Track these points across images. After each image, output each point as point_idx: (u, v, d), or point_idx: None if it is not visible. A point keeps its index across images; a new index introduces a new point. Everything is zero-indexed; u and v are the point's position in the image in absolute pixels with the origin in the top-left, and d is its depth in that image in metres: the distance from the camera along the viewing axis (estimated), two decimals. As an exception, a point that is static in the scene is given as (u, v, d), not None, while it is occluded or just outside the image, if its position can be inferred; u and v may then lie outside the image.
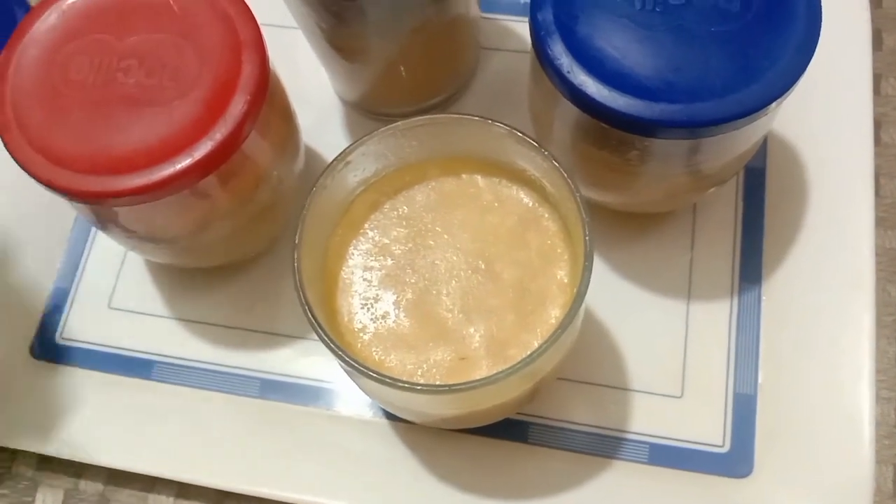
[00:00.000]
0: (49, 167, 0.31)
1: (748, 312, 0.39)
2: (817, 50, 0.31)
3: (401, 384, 0.27)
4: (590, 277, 0.28)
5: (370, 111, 0.45)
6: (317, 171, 0.31)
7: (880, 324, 0.39)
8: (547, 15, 0.31)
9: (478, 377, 0.28)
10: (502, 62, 0.45)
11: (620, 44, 0.30)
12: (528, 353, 0.27)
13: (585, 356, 0.38)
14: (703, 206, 0.41)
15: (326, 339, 0.28)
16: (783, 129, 0.42)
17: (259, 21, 0.33)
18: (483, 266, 0.32)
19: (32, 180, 0.32)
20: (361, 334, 0.32)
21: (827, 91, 0.40)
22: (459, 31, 0.41)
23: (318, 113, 0.44)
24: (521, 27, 0.46)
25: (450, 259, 0.33)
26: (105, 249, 0.43)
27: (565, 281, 0.31)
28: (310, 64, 0.44)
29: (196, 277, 0.42)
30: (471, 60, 0.44)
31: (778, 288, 0.39)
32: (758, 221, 0.41)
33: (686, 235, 0.41)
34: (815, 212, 0.40)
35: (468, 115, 0.31)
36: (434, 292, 0.32)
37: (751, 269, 0.40)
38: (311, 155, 0.43)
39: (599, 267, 0.40)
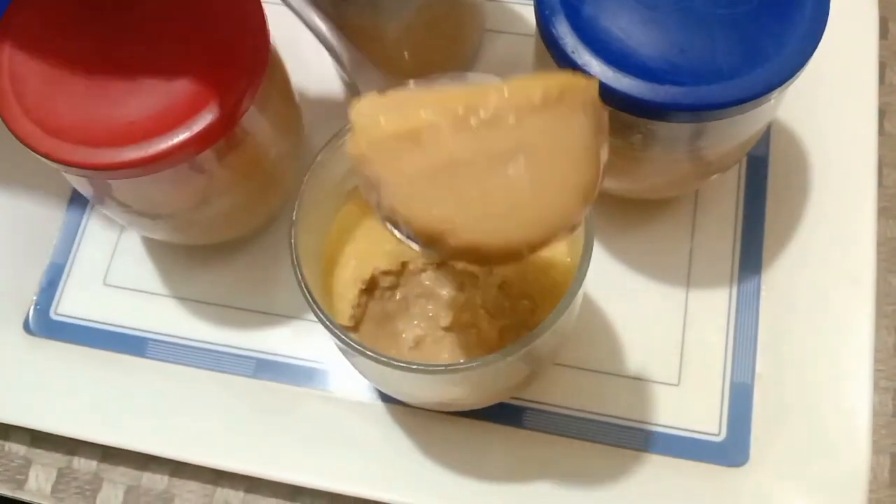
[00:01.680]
0: (46, 138, 0.31)
1: (747, 301, 0.39)
2: (824, 38, 0.31)
3: (395, 363, 0.27)
4: (589, 259, 0.28)
5: None
6: (317, 150, 0.31)
7: (880, 314, 0.39)
8: (551, -6, 0.31)
9: (478, 352, 0.28)
10: (507, 45, 0.45)
11: (626, 24, 0.30)
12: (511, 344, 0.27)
13: (583, 342, 0.38)
14: (704, 193, 0.41)
15: (321, 315, 0.28)
16: (786, 117, 0.41)
17: (263, -1, 0.33)
18: None
19: (29, 153, 0.31)
20: (359, 313, 0.32)
21: (831, 79, 0.40)
22: (464, 12, 0.41)
23: (322, 93, 0.44)
24: (526, 10, 0.45)
25: None
26: (101, 225, 0.43)
27: (567, 261, 0.31)
28: (313, 44, 0.43)
29: (192, 255, 0.42)
30: (475, 42, 0.44)
31: (778, 277, 0.39)
32: (759, 210, 0.40)
33: (687, 223, 0.40)
34: (817, 201, 0.39)
35: (471, 72, 0.30)
36: (434, 274, 0.32)
37: (751, 257, 0.40)
38: (314, 134, 0.42)
39: (599, 253, 0.40)
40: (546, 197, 0.24)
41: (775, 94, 0.30)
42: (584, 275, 0.28)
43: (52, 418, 0.38)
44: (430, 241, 0.24)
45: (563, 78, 0.24)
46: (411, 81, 0.27)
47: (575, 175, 0.24)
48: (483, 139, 0.23)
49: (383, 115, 0.23)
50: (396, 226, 0.24)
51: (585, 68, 0.30)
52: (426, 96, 0.24)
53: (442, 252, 0.24)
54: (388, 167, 0.23)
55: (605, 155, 0.25)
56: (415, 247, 0.25)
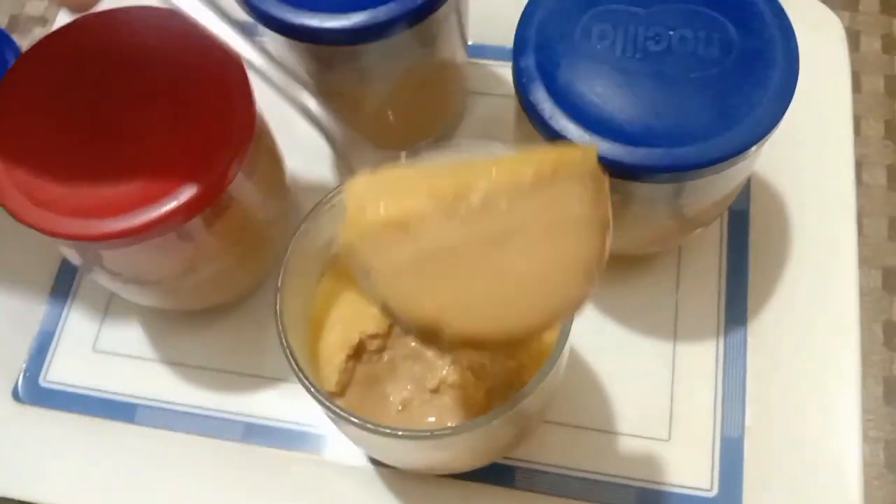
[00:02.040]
0: (34, 209, 0.31)
1: (734, 354, 0.39)
2: (799, 93, 0.31)
3: (381, 430, 0.27)
4: (570, 327, 0.28)
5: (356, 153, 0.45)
6: (305, 214, 0.31)
7: (866, 363, 0.39)
8: (529, 61, 0.32)
9: (465, 413, 0.28)
10: (489, 106, 0.46)
11: (602, 90, 0.31)
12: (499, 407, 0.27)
13: (571, 399, 0.38)
14: (687, 248, 0.41)
15: (306, 382, 0.28)
16: (766, 171, 0.42)
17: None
18: None
19: (18, 223, 0.32)
20: (345, 378, 0.32)
21: (809, 133, 0.41)
22: (447, 76, 0.42)
23: (307, 155, 0.44)
24: (507, 72, 0.45)
25: None
26: (91, 292, 0.43)
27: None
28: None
29: (182, 320, 0.42)
30: (458, 104, 0.45)
31: (763, 329, 0.39)
32: (742, 263, 0.41)
33: (671, 278, 0.41)
34: (799, 253, 0.40)
35: (465, 139, 0.31)
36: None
37: (736, 310, 0.40)
38: (299, 197, 0.43)
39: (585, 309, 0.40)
40: (544, 279, 0.23)
41: (751, 152, 0.31)
42: (569, 333, 0.28)
43: (40, 487, 0.38)
44: (425, 333, 0.23)
45: (556, 153, 0.24)
46: (403, 155, 0.27)
47: (575, 251, 0.24)
48: (474, 225, 0.22)
49: (373, 201, 0.23)
50: (392, 316, 0.24)
51: (563, 133, 0.31)
52: (417, 177, 0.24)
53: (440, 344, 0.23)
54: (377, 257, 0.23)
55: (609, 223, 0.25)
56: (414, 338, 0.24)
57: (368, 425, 0.27)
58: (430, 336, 0.23)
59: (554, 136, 0.31)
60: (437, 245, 0.22)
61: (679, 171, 0.30)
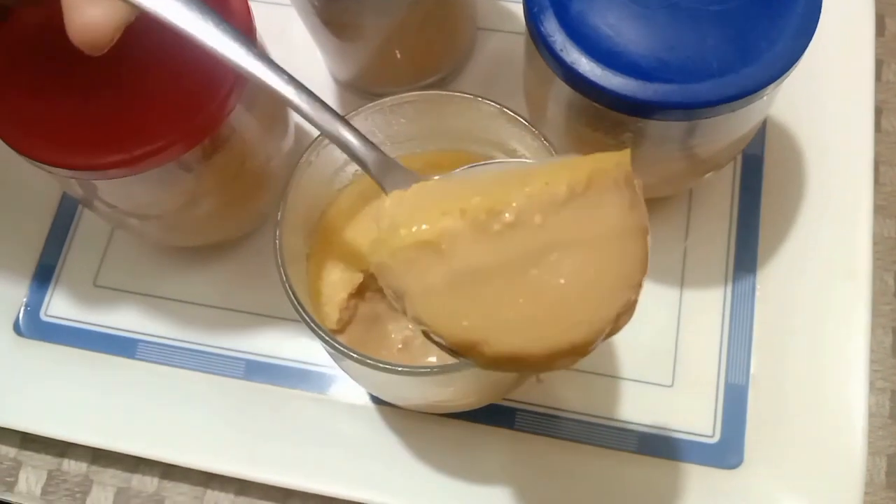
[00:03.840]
0: (31, 140, 0.31)
1: (742, 302, 0.39)
2: (819, 35, 0.30)
3: (381, 366, 0.27)
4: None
5: (364, 91, 0.44)
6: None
7: (876, 313, 0.38)
8: (540, -9, 0.31)
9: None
10: (499, 43, 0.44)
11: (615, 21, 0.30)
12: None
13: (575, 342, 0.38)
14: (698, 192, 0.41)
15: (306, 317, 0.27)
16: (782, 115, 0.41)
17: (251, -4, 0.33)
18: None
19: (17, 156, 0.31)
20: (346, 316, 0.32)
21: (828, 77, 0.40)
22: (455, 10, 0.40)
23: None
24: (517, 7, 0.44)
25: None
26: (91, 227, 0.43)
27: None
28: (303, 43, 0.43)
29: (182, 257, 0.41)
30: (467, 40, 0.44)
31: (773, 277, 0.39)
32: (754, 209, 0.40)
33: (681, 222, 0.40)
34: (813, 199, 0.39)
35: (459, 92, 0.30)
36: None
37: (746, 257, 0.39)
38: (302, 135, 0.42)
39: (592, 252, 0.40)
40: (588, 293, 0.22)
41: (767, 91, 0.30)
42: None
43: (42, 420, 0.38)
44: (464, 352, 0.23)
45: (590, 163, 0.23)
46: (435, 177, 0.26)
47: (618, 263, 0.23)
48: (509, 243, 0.22)
49: (404, 220, 0.22)
50: (428, 336, 0.23)
51: (574, 66, 0.29)
52: (448, 195, 0.23)
53: (481, 362, 0.23)
54: (410, 278, 0.22)
55: (647, 228, 0.24)
56: (454, 357, 0.23)
57: (368, 361, 0.26)
58: (471, 353, 0.23)
59: (564, 69, 0.30)
60: (472, 264, 0.22)
61: (693, 107, 0.29)
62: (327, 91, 0.45)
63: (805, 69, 0.31)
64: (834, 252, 0.38)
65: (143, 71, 0.31)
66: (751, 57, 0.29)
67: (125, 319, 0.41)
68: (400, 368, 0.26)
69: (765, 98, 0.31)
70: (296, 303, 0.27)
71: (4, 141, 0.31)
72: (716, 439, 0.36)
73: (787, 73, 0.30)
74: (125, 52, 0.31)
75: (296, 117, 0.39)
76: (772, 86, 0.30)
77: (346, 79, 0.44)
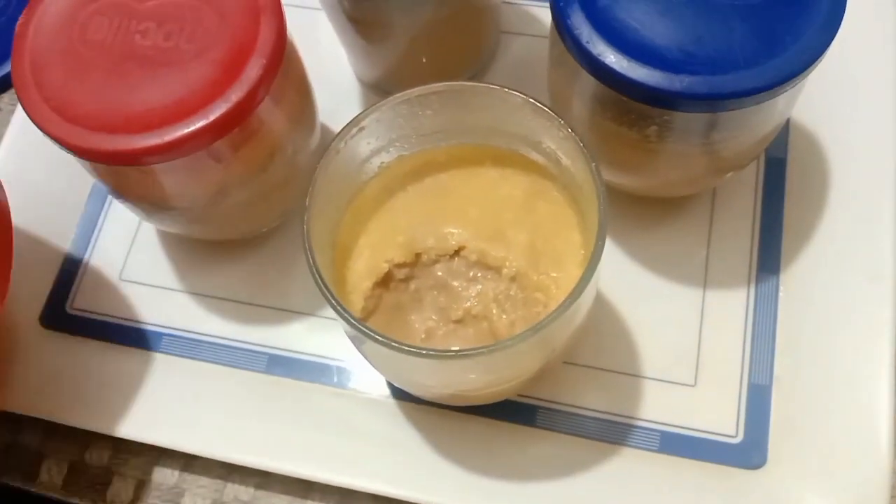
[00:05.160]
0: (63, 125, 0.31)
1: (765, 301, 0.38)
2: (843, 33, 0.30)
3: (406, 348, 0.27)
4: (604, 242, 0.27)
5: (387, 92, 0.44)
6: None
7: (901, 315, 0.38)
8: (566, -16, 0.31)
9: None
10: (522, 47, 0.45)
11: (641, 14, 0.30)
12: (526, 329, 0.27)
13: (597, 341, 0.38)
14: (721, 192, 0.40)
15: (333, 300, 0.27)
16: (805, 115, 0.41)
17: (280, -1, 0.33)
18: (496, 237, 0.32)
19: (50, 145, 0.32)
20: (371, 305, 0.32)
21: (852, 76, 0.40)
22: (479, 12, 0.41)
23: (336, 93, 0.44)
24: (540, 11, 0.45)
25: (462, 234, 0.32)
26: (119, 220, 0.43)
27: (581, 253, 0.31)
28: (329, 44, 0.44)
29: (208, 251, 0.42)
30: (490, 43, 0.44)
31: (796, 277, 0.38)
32: (777, 209, 0.40)
33: (704, 222, 0.40)
34: (836, 199, 0.39)
35: (484, 83, 0.30)
36: (447, 266, 0.32)
37: (769, 256, 0.39)
38: (327, 134, 0.43)
39: (615, 252, 0.40)
40: None
41: (791, 85, 0.30)
42: (599, 258, 0.27)
43: (64, 411, 0.38)
44: None
45: None
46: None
47: None
48: None
49: None
50: None
51: (600, 58, 0.30)
52: None
53: None
54: None
55: None
56: None
57: (393, 343, 0.27)
58: None
59: (590, 61, 0.30)
60: None
61: (718, 99, 0.29)
62: (352, 92, 0.45)
63: (828, 69, 0.31)
64: (857, 252, 0.37)
65: (172, 62, 0.32)
66: (776, 50, 0.29)
67: (150, 313, 0.41)
68: (425, 352, 0.26)
69: (788, 92, 0.31)
70: (323, 287, 0.28)
71: (36, 124, 0.32)
72: (739, 439, 0.36)
73: (812, 66, 0.30)
74: (156, 44, 0.32)
75: (322, 115, 0.40)
76: (796, 79, 0.30)
77: (371, 80, 0.44)
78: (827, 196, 0.39)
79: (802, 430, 0.36)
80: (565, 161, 0.31)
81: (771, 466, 0.35)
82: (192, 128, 0.31)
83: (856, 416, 0.35)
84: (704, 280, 0.39)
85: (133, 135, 0.31)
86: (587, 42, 0.30)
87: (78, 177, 0.42)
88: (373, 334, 0.27)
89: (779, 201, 0.40)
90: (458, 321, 0.32)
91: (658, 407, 0.37)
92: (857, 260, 0.37)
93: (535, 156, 0.33)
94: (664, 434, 0.36)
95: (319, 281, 0.28)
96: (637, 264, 0.40)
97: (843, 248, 0.38)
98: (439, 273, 0.33)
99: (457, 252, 0.32)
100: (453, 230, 0.33)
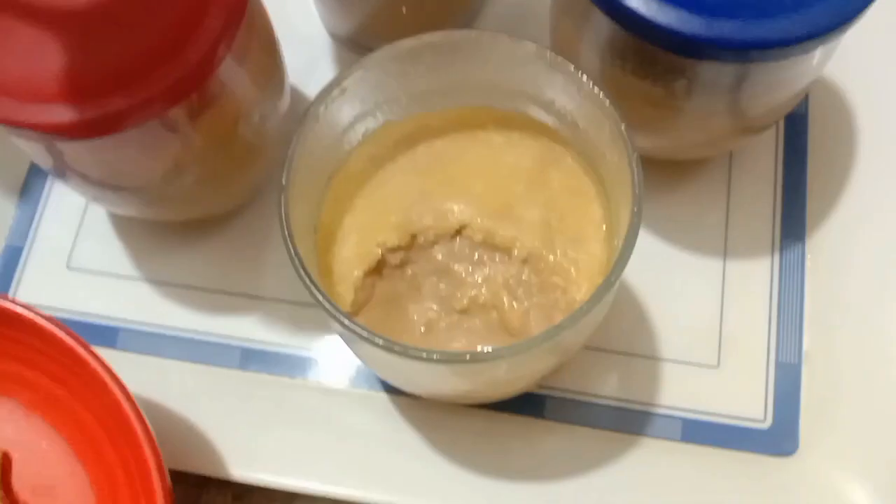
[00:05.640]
0: (-13, 97, 0.27)
1: (791, 273, 0.36)
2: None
3: (411, 353, 0.23)
4: (640, 220, 0.24)
5: (364, 47, 0.40)
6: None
7: (939, 281, 0.36)
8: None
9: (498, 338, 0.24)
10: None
11: (669, -51, 0.26)
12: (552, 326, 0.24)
13: (611, 321, 0.35)
14: (739, 153, 0.38)
15: (320, 296, 0.24)
16: (828, 76, 0.38)
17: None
18: (504, 213, 0.29)
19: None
20: (362, 297, 0.28)
21: (874, 34, 0.37)
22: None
23: (307, 50, 0.41)
24: None
25: (464, 211, 0.29)
26: (63, 202, 0.39)
27: (603, 229, 0.28)
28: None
29: (167, 233, 0.38)
30: (476, -8, 0.40)
31: (824, 244, 0.36)
32: (800, 171, 0.37)
33: (721, 186, 0.37)
34: (863, 161, 0.37)
35: (489, 30, 0.26)
36: (447, 248, 0.29)
37: (793, 222, 0.37)
38: (298, 97, 0.39)
39: (625, 222, 0.37)
40: None
41: (827, 40, 0.27)
42: (629, 254, 0.24)
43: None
44: None
45: None
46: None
47: None
48: None
49: None
50: None
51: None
52: None
53: None
54: None
55: None
56: None
57: (396, 347, 0.23)
58: None
59: (611, 4, 0.27)
60: None
61: (750, 47, 0.26)
62: (323, 49, 0.41)
63: (854, 32, 0.28)
64: (891, 214, 0.35)
65: (117, 18, 0.28)
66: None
67: (103, 305, 0.38)
68: (436, 356, 0.23)
69: (820, 49, 0.28)
70: (309, 282, 0.24)
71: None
72: (768, 424, 0.34)
73: (861, 14, 0.27)
74: (97, -2, 0.28)
75: (292, 76, 0.36)
76: (832, 34, 0.27)
77: (345, 33, 0.41)
78: (853, 155, 0.37)
79: (836, 411, 0.34)
80: (583, 123, 0.27)
81: (803, 453, 0.34)
82: (142, 93, 0.27)
83: (893, 394, 0.33)
84: (724, 250, 0.37)
85: (72, 104, 0.27)
86: (606, -19, 0.26)
87: (14, 154, 0.37)
88: (370, 336, 0.23)
89: (801, 160, 0.38)
90: (463, 311, 0.29)
91: (679, 392, 0.35)
92: (890, 221, 0.36)
93: (545, 117, 0.29)
94: (686, 421, 0.34)
95: (305, 277, 0.24)
96: (651, 234, 0.37)
97: (872, 209, 0.36)
98: (439, 256, 0.29)
99: (458, 232, 0.29)
100: (454, 206, 0.29)
